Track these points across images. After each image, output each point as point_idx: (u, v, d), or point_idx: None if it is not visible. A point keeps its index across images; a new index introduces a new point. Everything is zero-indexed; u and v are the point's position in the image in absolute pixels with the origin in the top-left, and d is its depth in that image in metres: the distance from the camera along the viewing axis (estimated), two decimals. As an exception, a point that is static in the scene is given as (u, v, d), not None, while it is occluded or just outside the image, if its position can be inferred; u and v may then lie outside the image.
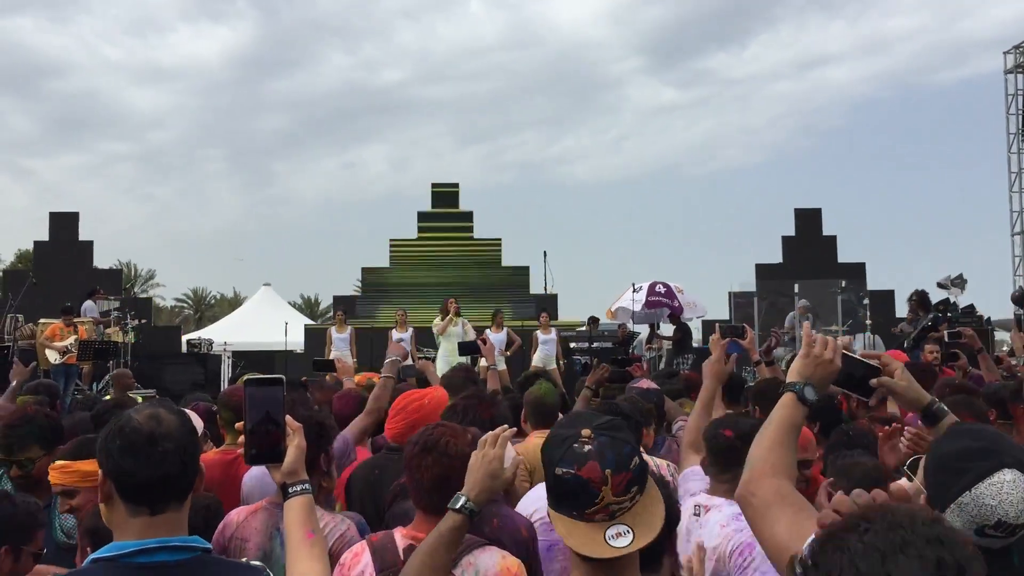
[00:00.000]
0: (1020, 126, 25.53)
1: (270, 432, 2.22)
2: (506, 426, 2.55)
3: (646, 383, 5.58)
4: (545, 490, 2.02)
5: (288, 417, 2.26)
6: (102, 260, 25.54)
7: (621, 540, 1.85)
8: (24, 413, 3.75)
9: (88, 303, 16.29)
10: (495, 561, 2.49)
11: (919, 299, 14.63)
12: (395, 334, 15.21)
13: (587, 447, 1.91)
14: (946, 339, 6.74)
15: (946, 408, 2.39)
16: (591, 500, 1.87)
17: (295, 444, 2.24)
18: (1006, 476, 1.77)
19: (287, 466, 2.22)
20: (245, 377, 2.33)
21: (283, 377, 2.33)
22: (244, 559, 2.29)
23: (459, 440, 2.65)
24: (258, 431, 2.22)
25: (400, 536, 2.61)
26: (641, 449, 2.05)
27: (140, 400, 10.25)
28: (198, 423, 3.87)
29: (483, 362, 12.07)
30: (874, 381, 2.35)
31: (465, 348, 9.69)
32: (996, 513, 1.74)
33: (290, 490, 2.23)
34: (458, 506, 2.32)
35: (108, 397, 11.25)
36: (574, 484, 1.88)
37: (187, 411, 3.85)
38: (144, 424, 1.92)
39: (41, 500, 3.46)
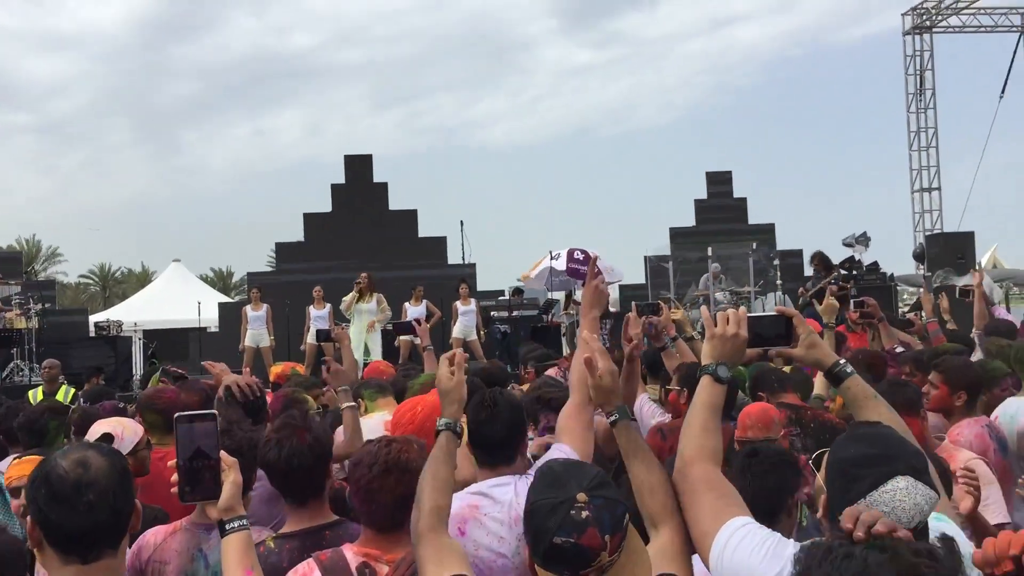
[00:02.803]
0: (918, 86, 26.36)
1: (205, 468, 2.16)
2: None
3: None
4: (528, 545, 2.00)
5: (223, 452, 2.20)
6: (2, 239, 24.45)
7: None
8: None
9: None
10: None
11: (820, 260, 15.12)
12: (313, 311, 14.99)
13: (584, 513, 1.88)
14: (851, 307, 6.96)
15: (850, 369, 2.43)
16: (587, 564, 1.87)
17: (231, 480, 2.18)
18: (899, 484, 1.82)
19: (223, 503, 2.17)
20: (176, 414, 2.25)
21: (216, 412, 2.28)
22: None
23: (413, 454, 2.63)
24: (192, 468, 2.15)
25: (352, 553, 2.55)
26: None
27: (73, 392, 9.85)
28: (138, 430, 3.72)
29: (417, 341, 12.00)
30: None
31: (399, 328, 9.62)
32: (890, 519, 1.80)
33: (227, 527, 2.16)
34: (443, 426, 2.50)
35: (34, 395, 10.83)
36: (572, 552, 1.87)
37: (123, 425, 3.70)
38: (70, 472, 1.84)
39: None
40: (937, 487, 1.91)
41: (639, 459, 2.26)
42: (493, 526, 2.68)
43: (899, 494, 1.81)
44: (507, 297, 17.19)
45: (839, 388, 2.45)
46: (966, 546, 2.08)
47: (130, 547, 2.89)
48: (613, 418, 2.35)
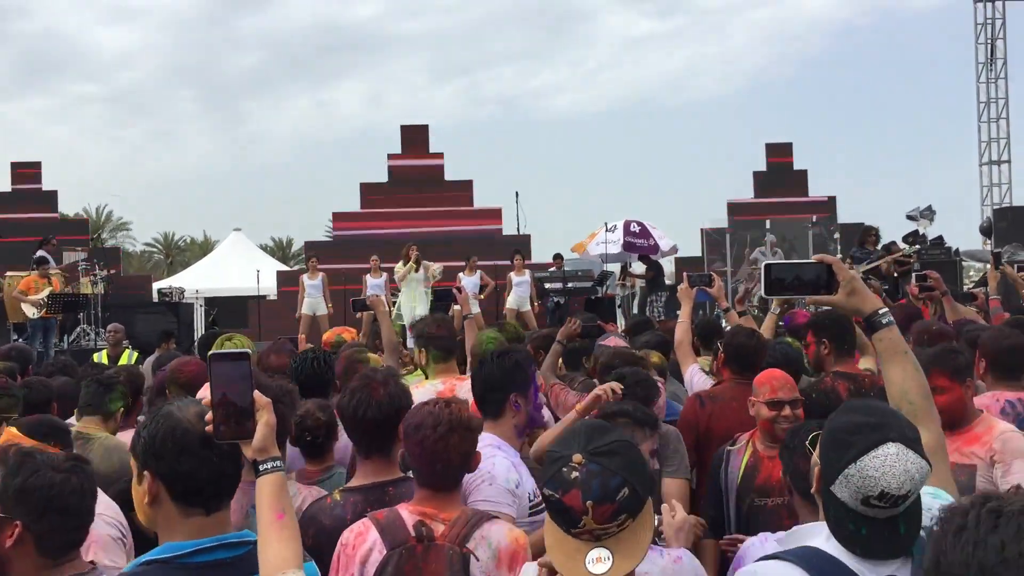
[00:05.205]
0: (988, 55, 25.51)
1: (238, 408, 2.18)
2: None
3: (614, 340, 5.59)
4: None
5: (256, 392, 2.23)
6: (71, 206, 25.08)
7: (599, 566, 1.87)
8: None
9: (39, 253, 15.64)
10: (504, 533, 2.58)
11: (876, 236, 14.78)
12: (370, 280, 15.15)
13: (574, 474, 1.89)
14: (914, 281, 6.82)
15: (887, 320, 2.31)
16: (575, 523, 1.90)
17: (264, 420, 2.16)
18: (890, 449, 1.83)
19: (257, 443, 2.13)
20: (209, 352, 2.28)
21: (249, 351, 2.29)
22: None
23: (469, 412, 2.74)
24: (226, 407, 2.19)
25: (407, 513, 2.61)
26: (649, 462, 2.11)
27: (137, 355, 10.13)
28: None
29: (456, 308, 12.05)
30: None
31: (440, 296, 9.60)
32: (879, 484, 1.81)
33: (260, 468, 2.14)
34: None
35: (99, 358, 11.15)
36: (558, 506, 1.91)
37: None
38: (195, 425, 1.93)
39: None
40: (930, 460, 1.89)
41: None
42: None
43: (889, 459, 1.82)
44: (553, 268, 16.97)
45: (872, 337, 2.35)
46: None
47: None
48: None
